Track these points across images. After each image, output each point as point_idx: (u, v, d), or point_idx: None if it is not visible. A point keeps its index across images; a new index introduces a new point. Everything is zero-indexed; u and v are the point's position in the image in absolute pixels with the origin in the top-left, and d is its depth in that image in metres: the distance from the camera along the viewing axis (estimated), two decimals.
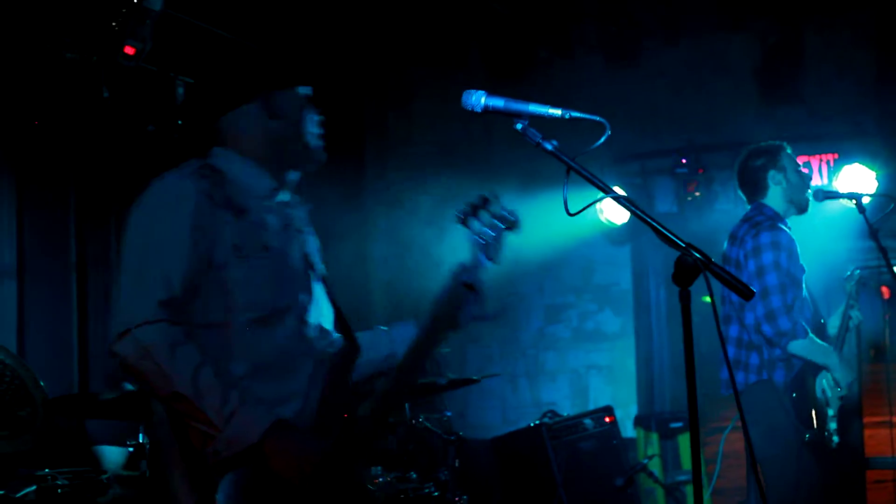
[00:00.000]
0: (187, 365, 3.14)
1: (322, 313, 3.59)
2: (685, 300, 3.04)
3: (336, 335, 3.60)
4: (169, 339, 3.16)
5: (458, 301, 3.56)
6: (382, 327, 3.79)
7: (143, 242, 3.31)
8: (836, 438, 5.92)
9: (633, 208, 3.20)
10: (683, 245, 3.05)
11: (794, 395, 5.91)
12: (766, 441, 5.93)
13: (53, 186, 6.78)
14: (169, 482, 3.31)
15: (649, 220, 3.14)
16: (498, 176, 9.14)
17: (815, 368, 5.93)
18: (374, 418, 3.43)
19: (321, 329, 3.55)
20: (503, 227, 3.57)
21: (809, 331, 5.85)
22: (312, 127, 3.60)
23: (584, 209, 3.37)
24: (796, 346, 5.80)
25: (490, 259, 3.57)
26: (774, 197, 6.12)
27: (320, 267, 3.67)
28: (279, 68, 3.62)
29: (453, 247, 3.66)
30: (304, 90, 3.63)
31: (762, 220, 6.00)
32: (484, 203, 3.58)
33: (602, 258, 9.22)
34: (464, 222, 3.57)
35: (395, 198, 9.62)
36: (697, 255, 3.03)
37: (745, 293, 3.07)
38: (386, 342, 3.73)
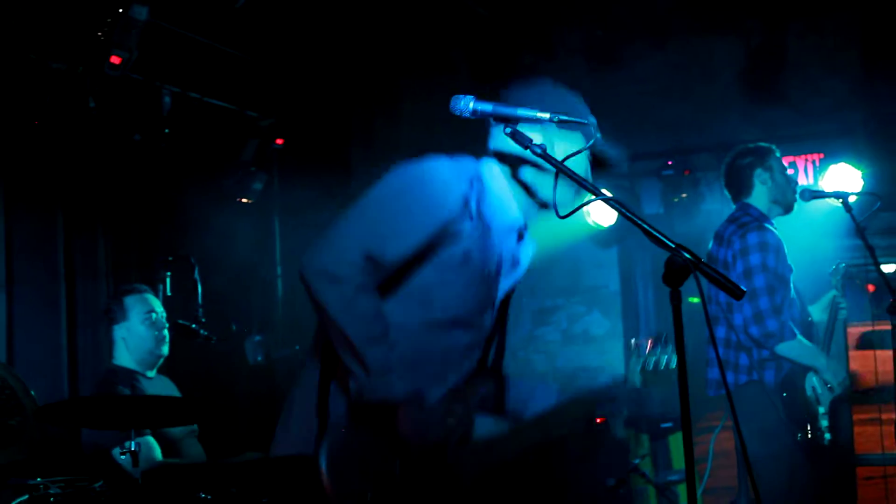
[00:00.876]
0: (367, 311, 3.30)
1: (494, 339, 3.77)
2: (676, 301, 3.05)
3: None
4: (358, 280, 3.28)
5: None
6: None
7: (389, 208, 3.41)
8: (827, 436, 5.94)
9: (622, 210, 3.22)
10: (673, 245, 3.07)
11: (785, 394, 5.94)
12: (757, 441, 5.94)
13: (41, 196, 6.79)
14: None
15: (639, 221, 3.16)
16: None
17: (805, 367, 5.96)
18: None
19: (486, 353, 3.74)
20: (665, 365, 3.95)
21: (797, 332, 5.87)
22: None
23: (574, 211, 3.42)
24: (784, 348, 5.83)
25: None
26: (760, 197, 6.16)
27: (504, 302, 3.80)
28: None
29: None
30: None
31: (749, 221, 6.03)
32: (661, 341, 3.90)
33: (590, 260, 9.23)
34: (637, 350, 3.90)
35: None
36: (687, 255, 3.05)
37: (736, 293, 3.08)
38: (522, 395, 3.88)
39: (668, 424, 8.57)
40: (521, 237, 3.74)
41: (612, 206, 3.24)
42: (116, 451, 4.96)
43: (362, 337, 3.27)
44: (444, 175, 3.47)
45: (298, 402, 3.56)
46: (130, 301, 5.93)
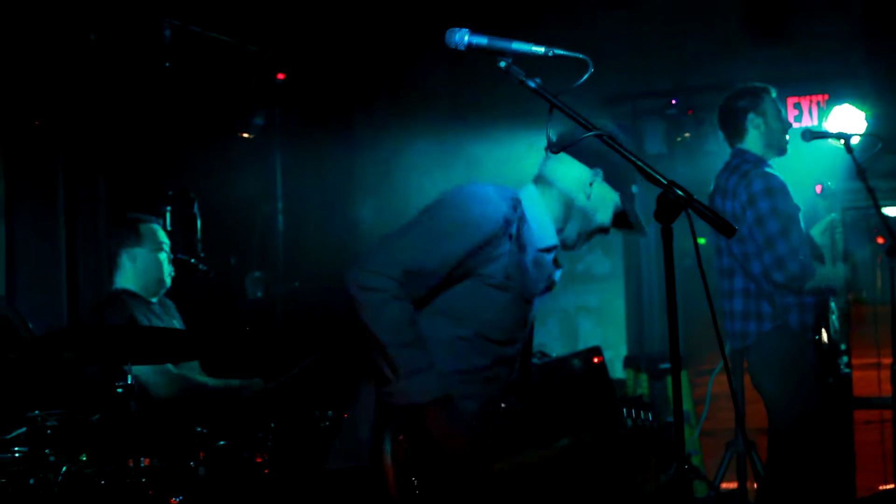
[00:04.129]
0: (398, 318, 3.47)
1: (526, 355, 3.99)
2: (667, 237, 3.06)
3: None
4: (394, 291, 3.46)
5: None
6: None
7: (432, 226, 3.61)
8: (848, 371, 5.99)
9: (615, 146, 3.22)
10: (665, 182, 3.06)
11: (817, 337, 5.95)
12: (775, 383, 6.03)
13: (40, 130, 6.74)
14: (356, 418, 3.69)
15: (632, 157, 3.16)
16: (484, 119, 9.14)
17: (826, 309, 5.98)
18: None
19: (519, 370, 3.92)
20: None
21: (815, 266, 5.88)
22: (610, 216, 3.93)
23: (566, 147, 3.41)
24: (812, 284, 5.85)
25: None
26: (753, 140, 6.12)
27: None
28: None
29: None
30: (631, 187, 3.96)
31: (749, 168, 6.00)
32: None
33: None
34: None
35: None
36: (680, 191, 3.04)
37: (728, 230, 3.08)
38: None
39: (668, 365, 8.58)
40: (556, 262, 3.92)
41: (606, 143, 3.23)
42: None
43: (392, 341, 3.44)
44: (487, 195, 3.65)
45: (361, 422, 3.66)
46: (145, 229, 5.90)
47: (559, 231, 3.85)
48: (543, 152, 3.89)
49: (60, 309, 6.66)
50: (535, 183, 3.88)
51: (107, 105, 6.89)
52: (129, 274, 5.89)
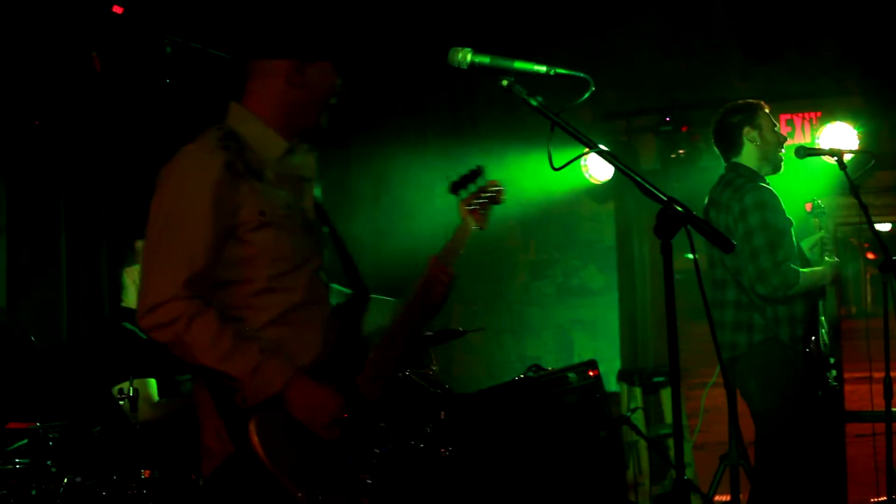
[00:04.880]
0: (206, 335, 3.30)
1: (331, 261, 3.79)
2: (667, 253, 3.10)
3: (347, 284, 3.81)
4: (188, 312, 3.30)
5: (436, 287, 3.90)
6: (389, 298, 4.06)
7: (167, 222, 3.38)
8: (835, 384, 6.01)
9: (616, 162, 3.27)
10: (665, 199, 3.11)
11: (808, 350, 6.01)
12: (764, 394, 6.06)
13: (41, 146, 6.79)
14: (203, 435, 3.56)
15: (632, 174, 3.21)
16: (481, 136, 9.22)
17: (815, 321, 6.02)
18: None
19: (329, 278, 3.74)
20: (488, 198, 4.11)
21: (799, 270, 5.89)
22: (328, 105, 3.72)
23: (568, 163, 3.47)
24: (797, 288, 5.88)
25: (478, 226, 4.06)
26: (749, 155, 6.16)
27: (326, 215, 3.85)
28: (322, 34, 3.63)
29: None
30: (337, 68, 3.71)
31: (743, 182, 6.05)
32: (473, 175, 4.10)
33: (586, 215, 9.26)
34: (455, 191, 4.09)
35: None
36: (679, 208, 3.09)
37: (726, 245, 3.13)
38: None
39: (661, 378, 8.64)
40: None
41: (607, 159, 3.29)
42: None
43: (215, 358, 3.30)
44: (188, 162, 3.44)
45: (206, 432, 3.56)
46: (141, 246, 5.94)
47: (282, 128, 3.61)
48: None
49: (60, 325, 6.67)
50: (237, 97, 3.62)
51: (109, 124, 6.91)
52: (131, 293, 5.91)
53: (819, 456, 6.22)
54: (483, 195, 4.11)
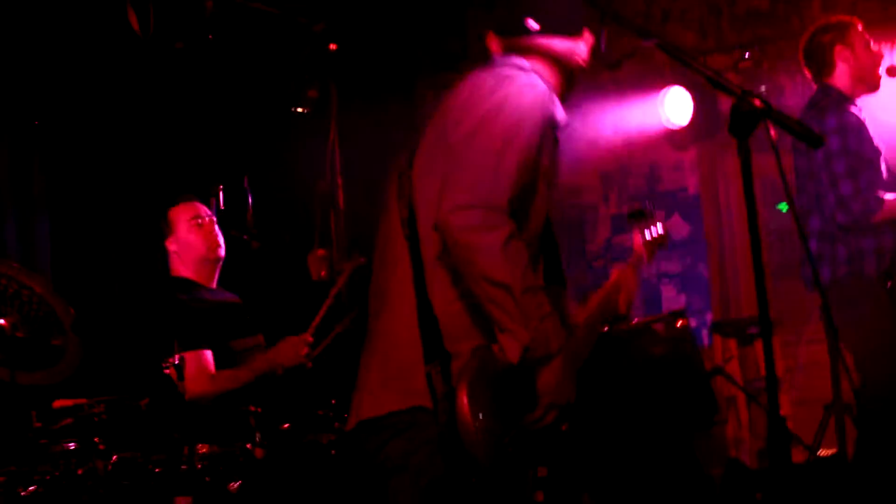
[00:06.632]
0: (519, 259, 3.01)
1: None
2: (745, 154, 2.73)
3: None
4: (510, 229, 3.00)
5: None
6: None
7: (505, 132, 3.10)
8: None
9: (677, 54, 2.91)
10: (739, 92, 2.73)
11: (890, 284, 5.63)
12: (858, 336, 5.73)
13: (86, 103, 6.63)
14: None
15: (697, 66, 2.84)
16: None
17: None
18: None
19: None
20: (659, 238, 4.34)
21: (883, 197, 5.54)
22: None
23: (621, 57, 3.12)
24: (879, 218, 5.51)
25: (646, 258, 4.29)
26: (842, 75, 5.85)
27: None
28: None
29: None
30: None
31: (828, 105, 5.72)
32: (648, 213, 4.31)
33: (667, 164, 8.84)
34: (632, 220, 4.33)
35: None
36: (757, 102, 2.71)
37: (814, 140, 2.75)
38: None
39: (756, 329, 8.25)
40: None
41: (664, 50, 2.92)
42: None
43: (522, 285, 3.00)
44: (528, 84, 3.23)
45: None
46: (175, 213, 5.74)
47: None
48: None
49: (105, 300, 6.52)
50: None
51: (151, 82, 6.72)
52: (177, 263, 5.73)
53: None
54: (654, 232, 4.30)
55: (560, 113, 3.32)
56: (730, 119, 2.73)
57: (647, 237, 4.26)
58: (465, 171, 3.04)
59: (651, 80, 8.26)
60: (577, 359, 3.48)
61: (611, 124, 8.54)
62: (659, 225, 4.30)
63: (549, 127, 3.23)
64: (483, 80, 3.22)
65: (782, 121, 2.70)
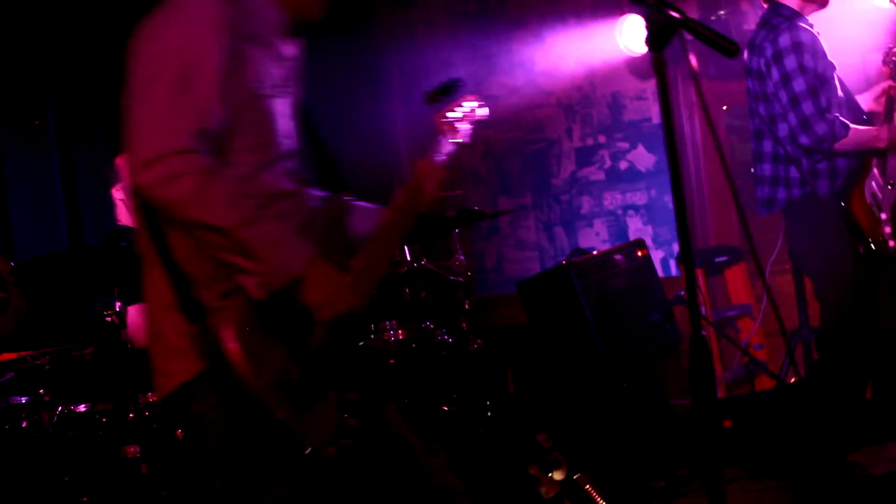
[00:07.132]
0: (223, 195, 2.87)
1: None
2: (660, 67, 2.64)
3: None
4: (200, 167, 2.85)
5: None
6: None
7: (175, 71, 2.91)
8: (891, 243, 5.57)
9: None
10: (652, 2, 2.63)
11: (843, 204, 5.54)
12: (814, 257, 5.74)
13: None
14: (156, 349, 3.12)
15: None
16: (515, 16, 8.71)
17: (863, 172, 5.55)
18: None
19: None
20: (463, 115, 3.79)
21: (849, 124, 5.46)
22: None
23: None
24: (842, 145, 5.43)
25: (455, 140, 3.70)
26: None
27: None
28: None
29: None
30: None
31: (779, 22, 5.61)
32: (450, 88, 3.84)
33: (629, 94, 8.72)
34: (429, 103, 3.82)
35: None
36: (670, 12, 2.61)
37: (728, 49, 2.64)
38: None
39: (723, 258, 8.17)
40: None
41: None
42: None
43: (236, 223, 2.87)
44: (192, 9, 3.01)
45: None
46: (122, 161, 5.66)
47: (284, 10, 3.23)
48: None
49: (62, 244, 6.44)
50: None
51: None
52: (123, 212, 5.64)
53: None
54: (458, 110, 3.78)
55: (267, 16, 3.17)
56: (645, 30, 2.63)
57: (449, 116, 3.80)
58: (138, 127, 2.89)
59: (610, 7, 8.15)
60: (374, 259, 3.28)
61: (572, 54, 8.42)
62: (468, 105, 3.84)
63: (246, 36, 3.04)
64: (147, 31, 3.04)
65: (697, 29, 2.60)
